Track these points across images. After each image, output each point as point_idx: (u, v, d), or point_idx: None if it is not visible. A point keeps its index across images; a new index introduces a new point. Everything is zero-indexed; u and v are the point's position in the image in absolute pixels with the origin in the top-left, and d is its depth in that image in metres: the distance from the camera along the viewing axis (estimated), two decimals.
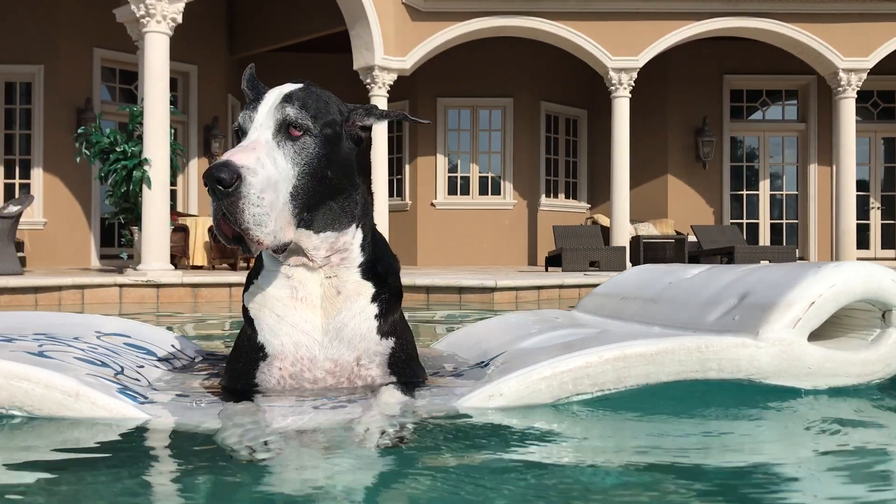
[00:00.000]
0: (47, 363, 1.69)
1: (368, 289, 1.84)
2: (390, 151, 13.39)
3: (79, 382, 1.61)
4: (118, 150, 8.78)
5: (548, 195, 15.68)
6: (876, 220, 15.93)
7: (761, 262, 12.57)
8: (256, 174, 1.58)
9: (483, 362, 2.18)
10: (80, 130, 9.21)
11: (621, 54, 12.88)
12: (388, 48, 12.37)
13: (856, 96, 13.22)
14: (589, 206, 16.25)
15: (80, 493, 1.27)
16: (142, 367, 2.05)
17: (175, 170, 9.25)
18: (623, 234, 12.87)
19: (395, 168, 14.89)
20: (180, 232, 11.44)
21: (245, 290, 1.90)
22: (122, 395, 1.67)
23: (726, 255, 12.84)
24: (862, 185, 15.61)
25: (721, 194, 15.65)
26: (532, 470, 1.38)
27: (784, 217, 15.93)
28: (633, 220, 14.15)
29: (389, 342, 1.85)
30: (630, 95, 12.98)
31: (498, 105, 15.11)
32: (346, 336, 1.80)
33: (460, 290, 7.06)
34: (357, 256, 1.83)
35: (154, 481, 1.36)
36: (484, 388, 1.73)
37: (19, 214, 8.69)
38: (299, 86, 1.83)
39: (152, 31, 8.75)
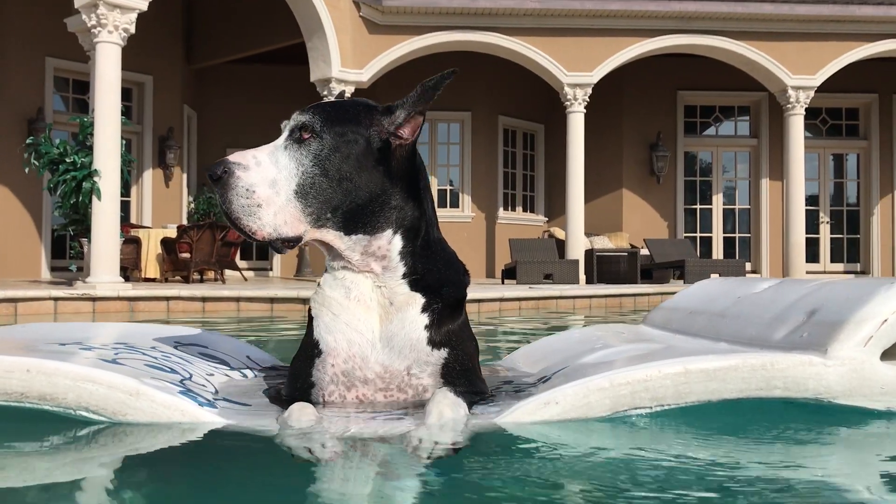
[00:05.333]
0: (115, 368, 1.78)
1: (418, 300, 1.86)
2: None
3: (139, 382, 1.71)
4: (68, 160, 8.70)
5: (506, 208, 15.80)
6: (825, 234, 16.28)
7: (712, 275, 12.78)
8: (247, 169, 1.72)
9: (545, 377, 2.16)
10: (28, 140, 9.11)
11: (576, 70, 13.06)
12: (345, 61, 12.41)
13: (804, 113, 13.53)
14: (546, 219, 16.40)
15: (135, 494, 1.35)
16: (211, 374, 2.11)
17: (126, 181, 9.18)
18: (578, 247, 13.01)
19: None
20: (132, 244, 11.34)
21: (313, 293, 1.99)
22: (183, 396, 1.74)
23: (677, 269, 13.04)
24: (812, 199, 15.97)
25: (675, 208, 15.89)
26: (585, 483, 1.40)
27: (737, 230, 16.22)
28: (588, 234, 14.31)
29: (442, 353, 1.86)
30: (585, 111, 13.16)
31: (456, 119, 15.22)
32: (397, 345, 1.84)
33: None
34: (398, 265, 1.86)
35: (210, 480, 1.45)
36: (539, 396, 1.72)
37: None
38: (329, 99, 1.96)
39: (104, 41, 8.70)
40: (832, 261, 16.29)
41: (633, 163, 15.79)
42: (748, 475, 1.47)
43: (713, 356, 1.80)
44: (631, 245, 14.68)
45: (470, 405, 1.80)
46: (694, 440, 1.70)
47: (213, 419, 1.69)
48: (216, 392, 1.95)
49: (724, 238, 16.19)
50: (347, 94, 12.44)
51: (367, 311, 1.85)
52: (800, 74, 13.32)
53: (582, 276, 12.72)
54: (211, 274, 12.47)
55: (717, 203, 16.21)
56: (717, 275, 12.87)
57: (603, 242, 14.53)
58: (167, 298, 7.41)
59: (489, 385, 2.05)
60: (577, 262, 12.58)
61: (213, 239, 11.66)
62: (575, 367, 2.06)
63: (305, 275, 15.45)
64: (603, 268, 13.29)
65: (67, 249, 12.14)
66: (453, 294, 1.91)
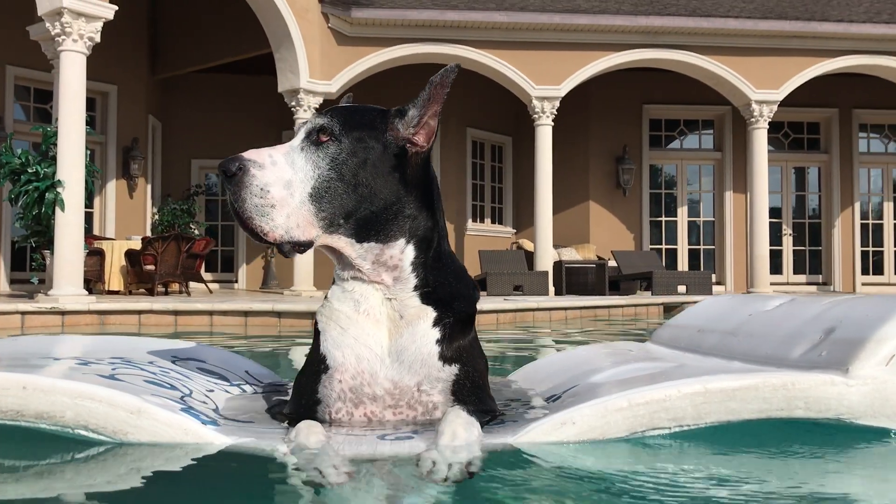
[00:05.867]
0: (115, 385, 1.72)
1: (430, 313, 1.81)
2: None
3: (141, 400, 1.65)
4: (30, 171, 8.51)
5: (474, 220, 15.81)
6: (788, 246, 16.54)
7: (678, 287, 12.91)
8: (263, 168, 1.66)
9: (554, 396, 2.11)
10: None
11: (544, 83, 13.13)
12: (313, 72, 12.34)
13: (768, 127, 13.76)
14: (514, 230, 16.44)
15: None
16: (211, 391, 2.04)
17: (90, 192, 9.01)
18: (547, 259, 13.05)
19: None
20: (95, 256, 11.12)
21: (320, 306, 1.93)
22: (185, 413, 1.68)
23: (645, 280, 13.14)
24: (775, 212, 16.22)
25: (641, 220, 16.03)
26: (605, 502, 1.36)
27: (701, 243, 16.41)
28: (556, 245, 14.37)
29: (453, 369, 1.80)
30: (553, 123, 13.23)
31: None
32: (407, 360, 1.78)
33: None
34: (410, 276, 1.81)
35: (216, 503, 1.38)
36: (555, 416, 1.68)
37: None
38: (345, 103, 1.91)
39: (68, 49, 8.54)
40: (795, 273, 16.55)
41: (600, 175, 15.92)
42: (771, 497, 1.44)
43: (733, 375, 1.76)
44: (598, 257, 14.77)
45: (482, 424, 1.75)
46: (713, 461, 1.67)
47: (217, 438, 1.63)
48: (217, 409, 1.89)
49: (689, 250, 16.37)
50: (315, 107, 12.36)
51: (376, 325, 1.80)
52: (763, 89, 13.55)
53: (551, 288, 12.76)
54: (176, 286, 12.28)
55: (682, 215, 16.39)
56: (684, 287, 13.00)
57: (570, 254, 14.60)
58: (139, 312, 7.25)
59: (498, 403, 2.00)
60: (546, 273, 12.62)
61: (179, 251, 11.49)
62: (585, 387, 2.02)
63: (272, 287, 15.29)
64: (571, 279, 13.35)
65: (28, 261, 11.87)
66: (465, 308, 1.86)
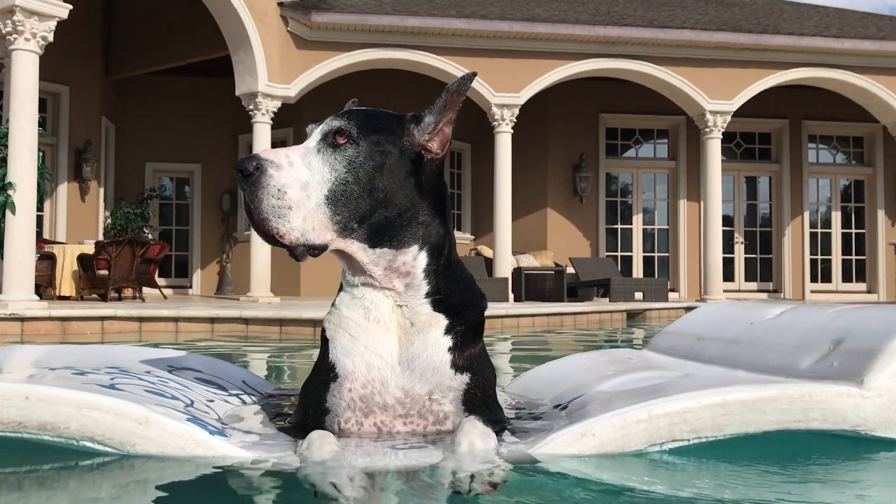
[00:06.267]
0: (118, 395, 1.66)
1: (441, 321, 1.78)
2: None
3: (148, 410, 1.61)
4: None
5: None
6: (740, 254, 16.87)
7: (635, 294, 13.06)
8: (280, 168, 1.63)
9: (560, 405, 2.08)
10: None
11: (504, 91, 13.19)
12: (272, 75, 12.21)
13: (721, 137, 14.02)
14: (473, 237, 16.47)
15: None
16: (212, 401, 1.98)
17: (42, 194, 8.77)
18: (506, 266, 13.10)
19: None
20: (46, 260, 10.84)
21: (327, 314, 1.88)
22: (192, 423, 1.63)
23: (602, 287, 13.27)
24: (727, 220, 16.52)
25: (597, 227, 16.20)
26: None
27: (656, 250, 16.64)
28: (514, 252, 14.42)
29: (464, 377, 1.77)
30: (512, 131, 13.30)
31: None
32: (419, 368, 1.74)
33: None
34: (422, 283, 1.78)
35: None
36: (575, 427, 1.65)
37: None
38: (359, 107, 1.87)
39: (20, 48, 8.31)
40: (746, 280, 16.87)
41: (558, 183, 16.04)
42: None
43: (751, 386, 1.75)
44: (556, 263, 14.87)
45: (498, 435, 1.72)
46: (732, 473, 1.67)
47: (228, 450, 1.58)
48: (220, 419, 1.84)
49: (644, 257, 16.59)
50: (273, 111, 12.23)
51: (386, 333, 1.76)
52: (717, 100, 13.80)
53: (510, 294, 12.80)
54: (129, 292, 12.02)
55: (637, 223, 16.60)
56: (641, 293, 13.16)
57: (528, 261, 14.67)
58: (101, 318, 7.04)
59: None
60: (506, 280, 12.66)
61: (133, 255, 11.25)
62: (592, 395, 2.00)
63: (227, 293, 15.07)
64: (530, 286, 13.42)
65: None
66: (475, 317, 1.84)
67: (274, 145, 12.96)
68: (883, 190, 16.90)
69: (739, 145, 16.84)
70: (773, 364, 2.06)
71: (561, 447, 1.62)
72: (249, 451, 1.60)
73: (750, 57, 13.88)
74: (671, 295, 15.54)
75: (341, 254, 1.77)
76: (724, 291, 14.33)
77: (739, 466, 1.70)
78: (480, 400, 1.79)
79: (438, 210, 1.80)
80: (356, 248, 1.74)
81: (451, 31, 12.96)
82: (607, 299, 12.81)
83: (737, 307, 2.66)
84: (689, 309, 11.49)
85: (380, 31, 12.80)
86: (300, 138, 14.79)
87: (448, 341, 1.77)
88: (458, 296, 1.83)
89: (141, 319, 7.15)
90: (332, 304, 1.86)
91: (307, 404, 1.83)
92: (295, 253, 1.69)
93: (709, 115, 13.80)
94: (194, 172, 15.80)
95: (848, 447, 1.80)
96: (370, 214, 1.71)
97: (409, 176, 1.75)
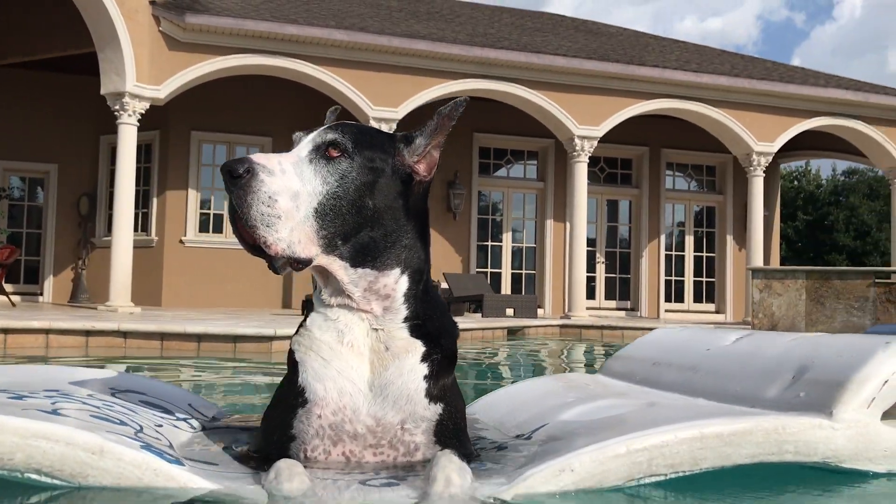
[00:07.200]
0: (63, 421, 1.51)
1: (418, 347, 1.71)
2: (137, 183, 12.51)
3: (103, 438, 1.47)
4: None
5: None
6: (601, 273, 17.57)
7: (506, 310, 13.33)
8: (272, 174, 1.57)
9: (523, 434, 2.02)
10: None
11: (382, 105, 13.20)
12: (140, 75, 11.70)
13: (588, 161, 14.57)
14: None
15: None
16: (160, 426, 1.84)
17: None
18: None
19: (141, 201, 13.97)
20: None
21: (294, 334, 1.77)
22: (147, 451, 1.51)
23: (475, 303, 13.47)
24: (590, 241, 17.16)
25: (469, 244, 16.45)
26: None
27: (524, 267, 17.07)
28: None
29: (437, 408, 1.71)
30: None
31: (256, 143, 14.80)
32: (392, 395, 1.67)
33: (235, 338, 6.62)
34: (401, 307, 1.72)
35: None
36: (552, 463, 1.60)
37: None
38: (346, 121, 1.81)
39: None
40: (607, 298, 17.58)
41: (433, 199, 16.16)
42: None
43: (726, 419, 1.74)
44: None
45: (471, 469, 1.67)
46: None
47: (187, 480, 1.48)
48: (171, 445, 1.72)
49: (513, 274, 16.98)
50: (141, 112, 11.71)
51: (359, 358, 1.70)
52: (586, 125, 14.35)
53: None
54: None
55: (507, 241, 16.99)
56: (512, 310, 13.45)
57: None
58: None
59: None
60: None
61: None
62: (556, 425, 1.97)
63: (82, 301, 14.25)
64: None
65: None
66: (450, 346, 1.79)
67: (139, 148, 12.40)
68: (732, 216, 18.05)
69: (603, 170, 17.56)
70: (736, 393, 2.04)
71: (540, 484, 1.58)
72: (211, 481, 1.51)
73: (617, 86, 14.52)
74: (538, 311, 15.97)
75: (321, 271, 1.71)
76: (587, 309, 14.86)
77: (713, 498, 1.70)
78: (452, 433, 1.75)
79: (421, 234, 1.78)
80: (338, 267, 1.69)
81: (331, 42, 12.85)
82: (479, 315, 13.01)
83: (689, 332, 2.67)
84: (563, 328, 11.86)
85: (257, 37, 12.53)
86: (167, 141, 14.25)
87: (424, 369, 1.72)
88: (436, 322, 1.78)
89: (6, 332, 6.52)
90: (302, 325, 1.78)
91: (271, 430, 1.74)
92: (275, 265, 1.62)
93: (577, 140, 14.31)
94: (50, 173, 14.87)
95: (817, 478, 1.81)
96: (356, 232, 1.67)
97: (398, 197, 1.72)
